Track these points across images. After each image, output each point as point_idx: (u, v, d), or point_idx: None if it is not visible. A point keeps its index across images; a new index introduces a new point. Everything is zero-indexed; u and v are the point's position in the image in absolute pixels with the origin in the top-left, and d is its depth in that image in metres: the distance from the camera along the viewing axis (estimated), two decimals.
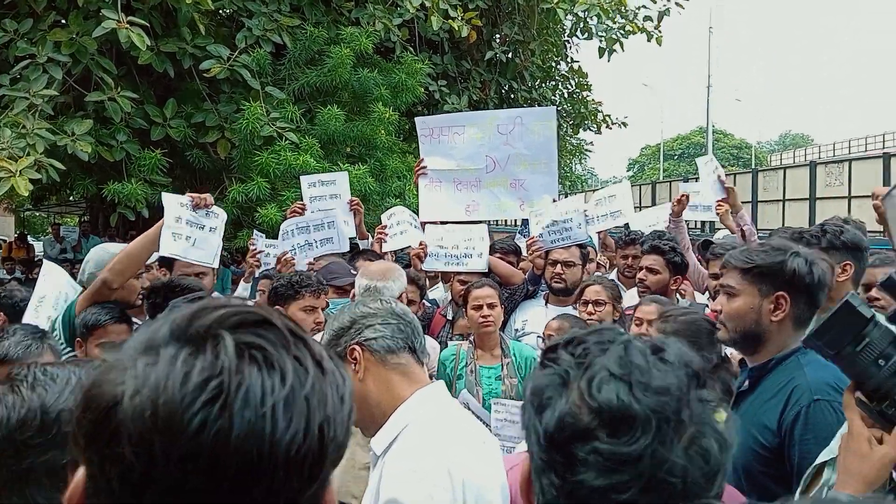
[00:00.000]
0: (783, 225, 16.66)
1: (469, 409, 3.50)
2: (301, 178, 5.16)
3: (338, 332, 1.94)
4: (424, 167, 5.00)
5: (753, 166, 35.45)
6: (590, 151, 24.11)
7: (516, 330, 4.36)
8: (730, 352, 2.88)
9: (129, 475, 0.63)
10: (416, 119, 5.26)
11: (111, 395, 0.65)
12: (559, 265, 4.41)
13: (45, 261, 4.45)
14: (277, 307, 3.60)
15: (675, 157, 53.49)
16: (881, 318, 1.45)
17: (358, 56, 7.50)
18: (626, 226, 5.87)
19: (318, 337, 2.63)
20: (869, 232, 4.18)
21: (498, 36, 10.14)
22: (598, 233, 5.51)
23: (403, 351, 1.91)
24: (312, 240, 4.65)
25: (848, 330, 1.43)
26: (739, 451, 2.12)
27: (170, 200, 3.88)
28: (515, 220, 5.40)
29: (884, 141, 43.65)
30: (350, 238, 5.02)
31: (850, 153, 41.71)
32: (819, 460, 1.64)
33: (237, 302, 0.73)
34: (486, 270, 4.57)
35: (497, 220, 12.18)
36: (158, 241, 3.69)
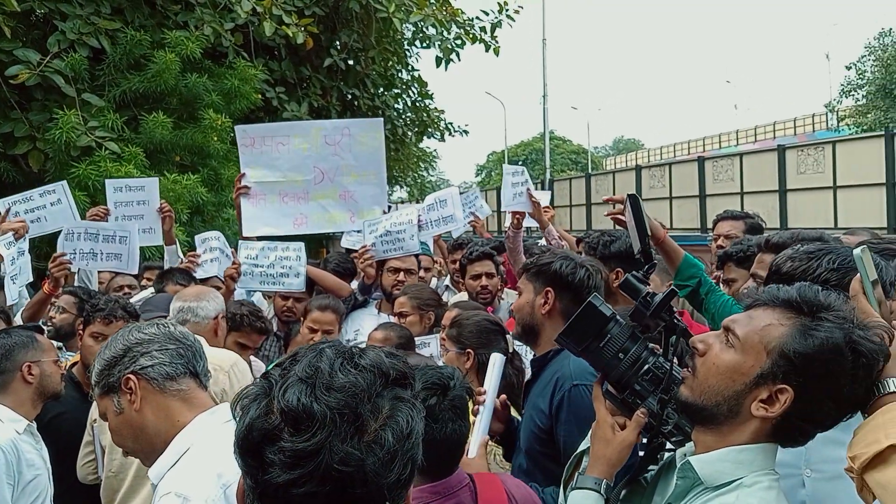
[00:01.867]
0: (614, 227, 17.80)
1: None
2: (106, 181, 4.89)
3: (110, 361, 1.83)
4: (245, 186, 4.78)
5: (588, 171, 37.63)
6: (436, 159, 24.62)
7: (348, 340, 4.33)
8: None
9: None
10: (236, 128, 5.05)
11: None
12: (401, 272, 4.45)
13: None
14: (80, 332, 3.39)
15: (519, 163, 55.57)
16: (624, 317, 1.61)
17: (186, 61, 7.18)
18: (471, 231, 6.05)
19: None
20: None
21: (337, 42, 10.10)
22: (434, 238, 5.61)
23: (184, 376, 1.84)
24: (99, 250, 4.40)
25: (591, 327, 1.58)
26: (524, 435, 2.33)
27: None
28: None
29: (703, 144, 47.96)
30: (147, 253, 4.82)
31: (674, 156, 45.42)
32: (580, 448, 1.79)
33: None
34: (304, 290, 4.53)
35: None
36: None
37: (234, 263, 4.52)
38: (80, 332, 3.47)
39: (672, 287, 1.63)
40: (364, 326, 4.37)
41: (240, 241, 4.73)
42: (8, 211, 4.16)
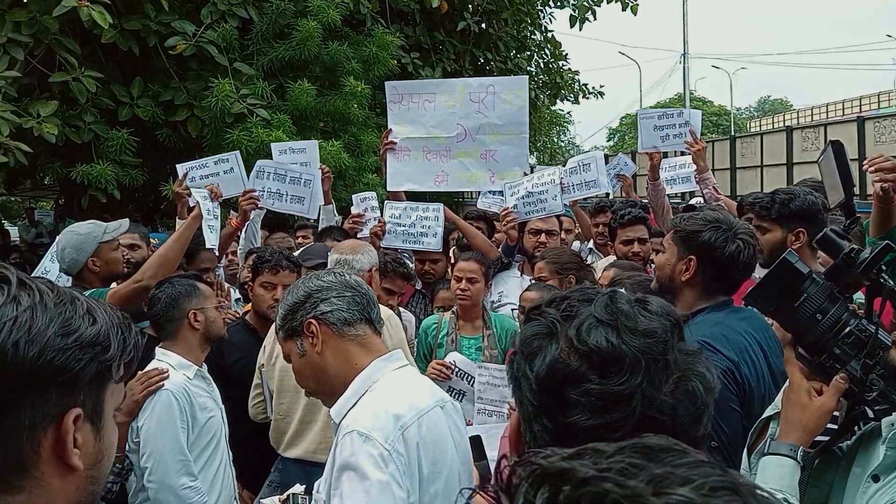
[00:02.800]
0: (761, 190, 16.79)
1: (458, 368, 3.58)
2: (272, 145, 5.21)
3: (292, 307, 1.94)
4: (392, 141, 4.89)
5: (732, 133, 35.54)
6: (569, 122, 24.13)
7: (492, 302, 4.38)
8: None
9: None
10: (386, 84, 5.14)
11: None
12: (542, 234, 4.45)
13: None
14: (250, 283, 3.67)
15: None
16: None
17: (327, 29, 7.40)
18: (607, 194, 5.91)
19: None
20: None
21: (470, 6, 10.04)
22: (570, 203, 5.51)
23: (360, 322, 1.91)
24: (284, 191, 4.67)
25: (786, 286, 1.47)
26: None
27: (196, 197, 4.11)
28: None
29: (860, 105, 43.94)
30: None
31: (827, 118, 41.97)
32: (765, 414, 1.68)
33: None
34: (440, 249, 4.61)
35: (469, 194, 12.07)
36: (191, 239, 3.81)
37: (379, 222, 4.68)
38: (251, 283, 3.72)
39: (888, 242, 1.50)
40: (508, 288, 4.41)
41: (385, 202, 4.85)
42: (185, 175, 4.50)
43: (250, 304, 3.89)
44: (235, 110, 6.79)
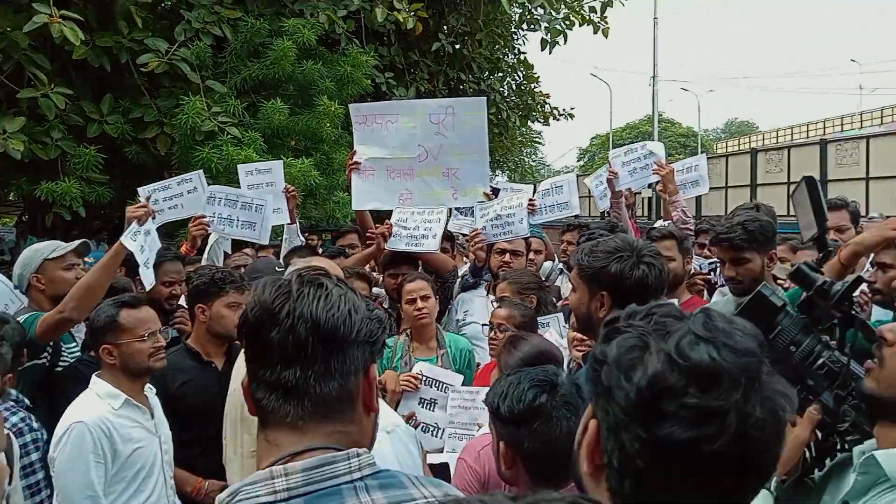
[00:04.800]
0: (726, 212, 17.10)
1: (426, 377, 3.61)
2: (238, 166, 5.21)
3: None
4: (357, 161, 4.95)
5: (698, 154, 36.17)
6: (539, 143, 24.36)
7: (458, 321, 4.42)
8: None
9: None
10: (350, 106, 5.22)
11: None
12: (507, 254, 4.51)
13: None
14: (200, 305, 3.56)
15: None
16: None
17: (302, 48, 7.40)
18: (577, 216, 5.97)
19: None
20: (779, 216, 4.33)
21: (445, 27, 10.13)
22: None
23: None
24: (235, 217, 4.63)
25: (760, 319, 1.48)
26: None
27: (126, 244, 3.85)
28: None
29: (824, 128, 45.09)
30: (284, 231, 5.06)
31: (792, 140, 42.97)
32: None
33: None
34: (437, 250, 4.66)
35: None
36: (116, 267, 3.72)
37: (386, 224, 4.75)
38: (204, 305, 3.60)
39: (858, 276, 1.53)
40: (474, 307, 4.45)
41: (396, 209, 4.89)
42: (149, 198, 4.45)
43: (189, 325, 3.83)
44: (206, 128, 6.73)
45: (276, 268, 4.13)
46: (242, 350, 1.48)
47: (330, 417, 1.26)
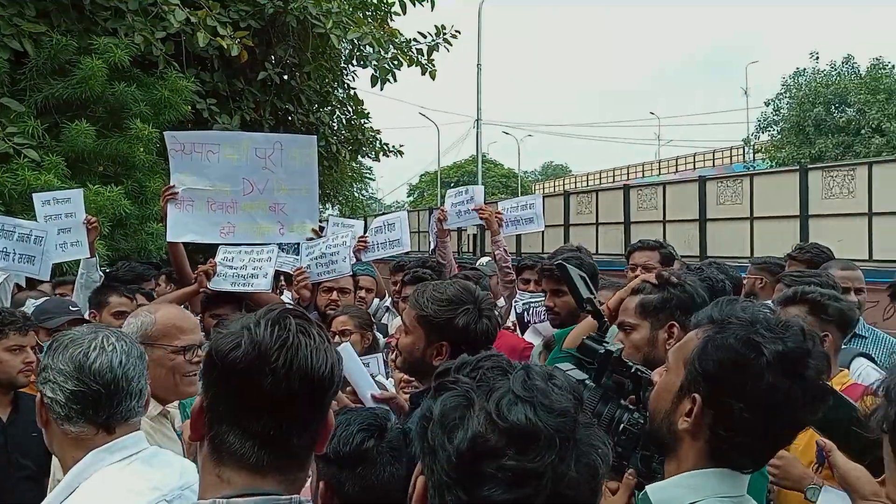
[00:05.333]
0: (542, 248, 18.16)
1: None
2: (34, 196, 4.71)
3: (41, 366, 1.78)
4: (174, 192, 4.63)
5: (518, 195, 38.21)
6: (370, 178, 24.52)
7: None
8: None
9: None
10: (166, 134, 4.89)
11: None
12: (334, 292, 4.45)
13: None
14: None
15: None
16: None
17: (113, 69, 6.92)
18: (407, 252, 6.05)
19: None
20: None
21: (273, 57, 9.96)
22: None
23: (80, 422, 1.69)
24: (12, 249, 4.19)
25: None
26: None
27: None
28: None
29: (628, 173, 49.48)
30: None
31: (600, 184, 46.68)
32: None
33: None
34: (269, 289, 4.49)
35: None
36: None
37: (210, 262, 4.46)
38: None
39: (608, 350, 1.63)
40: None
41: (220, 246, 4.61)
42: None
43: None
44: None
45: (71, 307, 3.79)
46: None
47: (292, 465, 1.29)
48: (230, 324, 1.31)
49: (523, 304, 4.45)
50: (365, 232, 5.50)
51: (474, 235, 25.18)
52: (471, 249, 25.60)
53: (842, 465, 1.71)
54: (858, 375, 2.96)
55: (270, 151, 4.66)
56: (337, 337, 3.84)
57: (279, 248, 5.26)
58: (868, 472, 1.69)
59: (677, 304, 2.29)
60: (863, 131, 26.36)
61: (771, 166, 28.13)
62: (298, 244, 4.85)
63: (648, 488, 1.42)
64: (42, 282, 5.05)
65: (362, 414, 1.93)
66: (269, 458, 1.25)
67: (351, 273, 4.68)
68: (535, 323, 4.31)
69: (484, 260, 6.82)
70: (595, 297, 2.05)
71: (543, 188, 56.34)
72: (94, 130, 6.68)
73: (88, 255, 4.65)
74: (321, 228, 5.09)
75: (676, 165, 46.98)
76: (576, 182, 53.92)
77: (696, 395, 1.38)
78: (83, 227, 4.59)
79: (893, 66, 27.50)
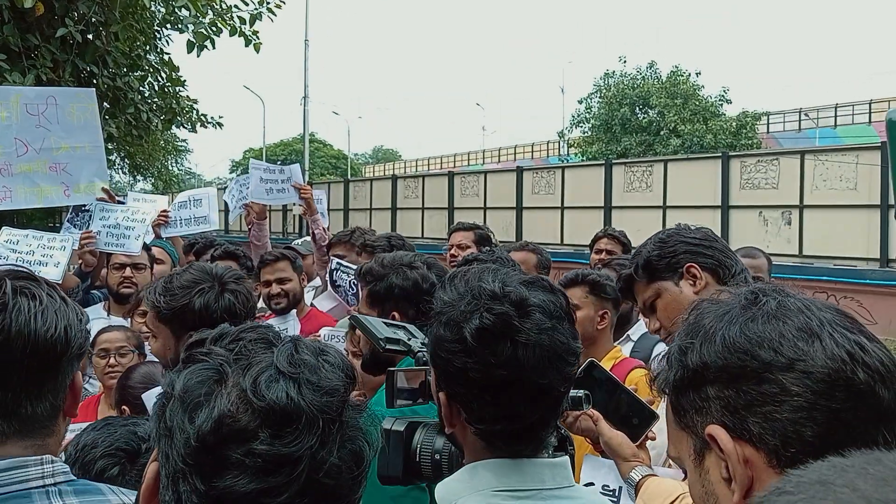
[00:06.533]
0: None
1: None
2: None
3: None
4: None
5: (347, 177, 38.05)
6: (186, 150, 23.24)
7: None
8: None
9: None
10: None
11: None
12: (126, 268, 4.12)
13: None
14: None
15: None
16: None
17: None
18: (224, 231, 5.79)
19: None
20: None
21: (75, 13, 9.11)
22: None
23: None
24: None
25: (397, 451, 1.43)
26: None
27: None
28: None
29: (454, 161, 50.90)
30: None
31: (428, 170, 47.63)
32: None
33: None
34: (60, 280, 4.01)
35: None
36: None
37: None
38: None
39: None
40: (91, 329, 3.99)
41: (2, 227, 4.14)
42: None
43: None
44: None
45: None
46: None
47: (33, 433, 1.23)
48: None
49: (337, 262, 4.30)
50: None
51: (300, 216, 24.76)
52: (297, 230, 25.14)
53: (606, 433, 1.85)
54: (657, 357, 3.30)
55: (44, 108, 4.24)
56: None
57: (72, 224, 4.83)
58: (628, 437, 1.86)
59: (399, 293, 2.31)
60: (662, 132, 29.01)
61: (583, 160, 30.17)
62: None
63: (437, 486, 1.35)
64: None
65: (117, 433, 1.65)
66: (3, 429, 1.20)
67: (138, 253, 4.36)
68: (340, 287, 4.20)
69: (300, 240, 6.74)
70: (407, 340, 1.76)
71: (374, 171, 56.47)
72: None
73: None
74: (119, 203, 4.75)
75: (499, 156, 49.01)
76: (405, 167, 54.58)
77: (441, 394, 1.31)
78: None
79: (689, 74, 30.45)
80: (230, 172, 63.03)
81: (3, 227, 4.23)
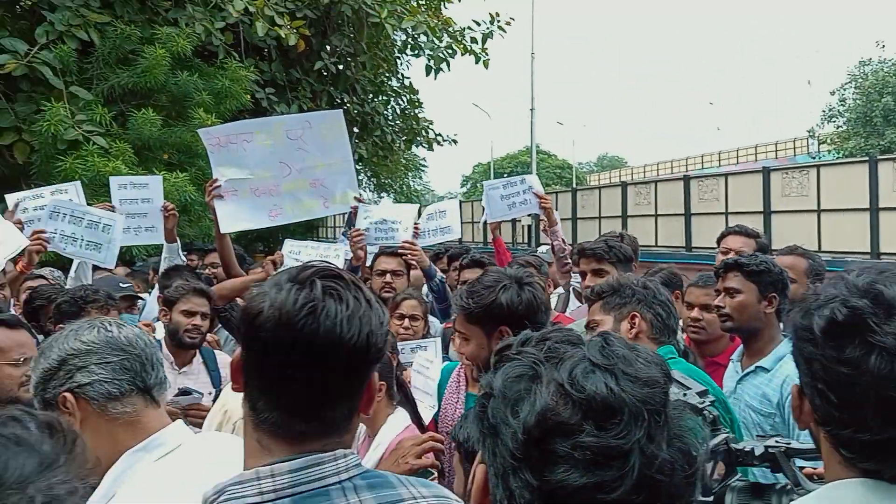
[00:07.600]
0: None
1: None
2: (110, 179, 4.83)
3: (44, 374, 1.56)
4: (217, 186, 4.61)
5: (573, 185, 37.81)
6: (424, 167, 24.62)
7: None
8: None
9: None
10: (199, 131, 4.93)
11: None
12: (388, 275, 4.42)
13: None
14: (60, 326, 3.27)
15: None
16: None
17: (176, 58, 7.12)
18: (460, 240, 6.03)
19: None
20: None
21: (328, 46, 10.08)
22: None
23: (130, 394, 1.56)
24: (80, 235, 4.25)
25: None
26: None
27: None
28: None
29: (686, 164, 48.43)
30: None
31: (658, 175, 45.80)
32: None
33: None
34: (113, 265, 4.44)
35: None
36: None
37: (277, 254, 4.59)
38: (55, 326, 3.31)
39: None
40: None
41: (285, 240, 4.73)
42: (17, 206, 4.07)
43: None
44: (69, 136, 6.32)
45: (121, 284, 3.89)
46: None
47: (331, 433, 1.23)
48: (265, 282, 1.25)
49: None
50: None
51: (529, 226, 25.03)
52: (526, 240, 25.46)
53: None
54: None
55: (301, 132, 4.72)
56: (406, 321, 3.85)
57: (345, 237, 5.32)
58: None
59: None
60: None
61: (837, 157, 27.08)
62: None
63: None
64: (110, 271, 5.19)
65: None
66: (304, 428, 1.20)
67: (400, 246, 4.63)
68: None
69: (542, 248, 6.76)
70: None
71: (599, 179, 55.58)
72: (159, 119, 6.88)
73: (162, 241, 4.76)
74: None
75: (738, 157, 45.75)
76: (632, 174, 53.03)
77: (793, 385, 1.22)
78: (160, 213, 4.67)
79: None
80: (461, 187, 65.82)
81: (286, 240, 4.80)
